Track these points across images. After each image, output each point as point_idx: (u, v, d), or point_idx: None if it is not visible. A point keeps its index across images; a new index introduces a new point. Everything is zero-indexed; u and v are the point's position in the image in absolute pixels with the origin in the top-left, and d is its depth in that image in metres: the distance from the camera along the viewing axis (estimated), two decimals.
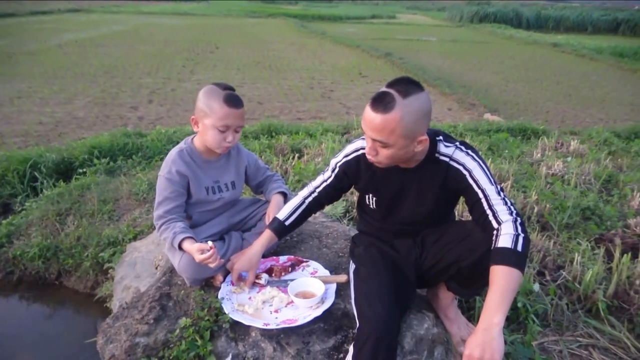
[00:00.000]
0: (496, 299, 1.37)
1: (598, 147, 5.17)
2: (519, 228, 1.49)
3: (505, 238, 1.47)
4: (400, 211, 1.79)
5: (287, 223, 1.92)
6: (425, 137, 1.53)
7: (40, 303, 2.72)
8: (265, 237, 1.92)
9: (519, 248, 1.45)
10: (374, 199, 1.81)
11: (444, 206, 1.78)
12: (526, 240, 1.47)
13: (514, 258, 1.43)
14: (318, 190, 1.92)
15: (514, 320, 2.21)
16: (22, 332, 2.47)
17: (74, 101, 7.07)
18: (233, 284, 1.92)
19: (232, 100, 1.82)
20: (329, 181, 1.90)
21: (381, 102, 1.46)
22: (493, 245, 1.50)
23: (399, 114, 1.45)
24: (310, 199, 1.94)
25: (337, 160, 1.85)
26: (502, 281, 1.40)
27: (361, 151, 1.77)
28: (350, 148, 1.82)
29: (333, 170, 1.88)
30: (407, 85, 1.48)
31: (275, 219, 1.93)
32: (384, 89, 1.50)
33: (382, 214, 1.84)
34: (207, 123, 1.83)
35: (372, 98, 1.50)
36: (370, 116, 1.49)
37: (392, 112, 1.45)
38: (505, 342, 2.01)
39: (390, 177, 1.74)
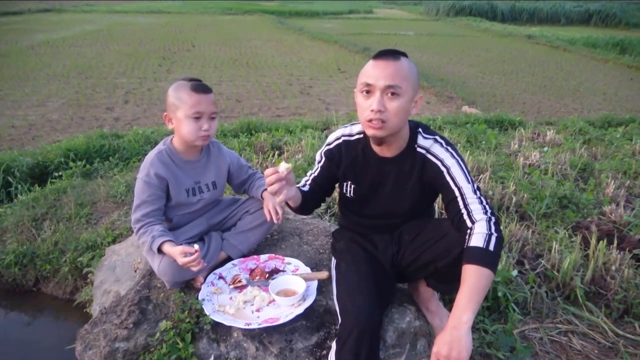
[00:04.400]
0: (465, 298, 1.39)
1: (573, 136, 5.26)
2: (493, 227, 1.50)
3: (477, 237, 1.48)
4: (378, 202, 1.80)
5: (303, 188, 1.90)
6: (421, 96, 1.60)
7: (18, 311, 2.66)
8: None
9: (491, 247, 1.45)
10: (353, 186, 1.82)
11: (421, 200, 1.79)
12: (499, 239, 1.48)
13: (485, 257, 1.44)
14: (308, 182, 1.93)
15: (495, 309, 2.24)
16: (0, 341, 2.41)
17: (47, 103, 6.92)
18: (213, 285, 1.91)
19: (200, 86, 1.83)
20: (316, 172, 1.92)
21: (390, 52, 1.56)
22: (466, 244, 1.51)
23: (406, 64, 1.56)
24: (305, 188, 1.91)
25: (321, 150, 1.89)
26: (471, 280, 1.41)
27: (343, 138, 1.81)
28: (332, 137, 1.86)
29: (319, 162, 1.90)
30: (400, 53, 1.59)
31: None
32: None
33: (360, 203, 1.85)
34: (180, 115, 1.82)
35: (377, 53, 1.58)
36: (382, 65, 1.54)
37: (400, 60, 1.55)
38: (487, 332, 2.05)
39: (369, 165, 1.76)
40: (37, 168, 3.86)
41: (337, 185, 1.93)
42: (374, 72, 1.54)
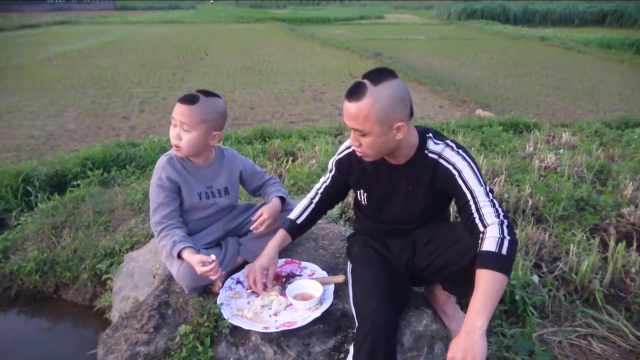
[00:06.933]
0: (478, 303, 1.38)
1: (589, 138, 5.20)
2: (505, 231, 1.49)
3: (489, 241, 1.47)
4: (391, 208, 1.81)
5: (298, 222, 1.98)
6: (403, 123, 1.55)
7: (38, 317, 2.71)
8: (280, 236, 1.95)
9: (504, 251, 1.44)
10: (365, 194, 1.84)
11: (435, 205, 1.78)
12: (512, 243, 1.46)
13: (498, 262, 1.43)
14: (320, 191, 1.99)
15: (513, 313, 2.22)
16: (22, 347, 2.46)
17: (64, 114, 7.05)
18: (231, 289, 1.93)
19: (185, 97, 1.87)
20: (328, 182, 1.96)
21: (354, 91, 1.53)
22: (479, 248, 1.50)
23: (370, 101, 1.50)
24: (316, 199, 1.99)
25: (333, 158, 1.92)
26: (484, 285, 1.41)
27: (352, 148, 1.80)
28: (342, 146, 1.88)
29: (330, 171, 1.94)
30: (379, 74, 1.54)
31: (287, 219, 1.99)
32: (358, 79, 1.57)
33: (373, 210, 1.86)
34: None
35: (347, 89, 1.57)
36: (346, 106, 1.56)
37: (364, 99, 1.51)
38: (505, 336, 2.04)
39: (380, 173, 1.76)
40: (56, 177, 3.93)
41: (351, 190, 1.96)
42: (343, 108, 1.58)
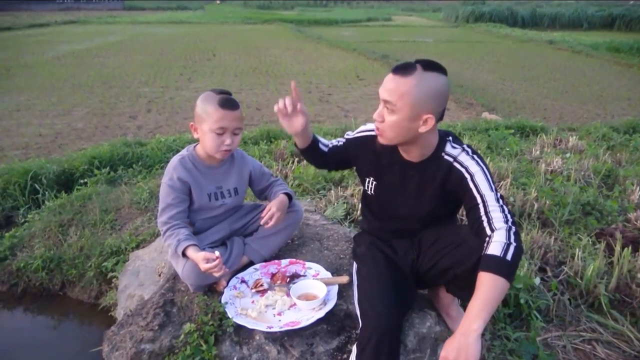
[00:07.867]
0: (478, 306, 1.38)
1: (597, 142, 5.17)
2: (512, 237, 1.49)
3: (495, 246, 1.48)
4: (398, 203, 1.81)
5: (324, 147, 1.97)
6: (432, 117, 1.55)
7: (44, 314, 2.73)
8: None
9: (508, 257, 1.44)
10: (374, 183, 1.84)
11: (442, 207, 1.79)
12: (517, 249, 1.47)
13: (501, 266, 1.43)
14: (329, 147, 1.98)
15: (517, 316, 2.22)
16: (27, 343, 2.48)
17: (72, 112, 7.09)
18: (236, 288, 1.94)
19: (227, 102, 1.85)
20: (337, 144, 1.97)
21: (403, 67, 1.55)
22: (484, 251, 1.50)
23: (414, 81, 1.51)
24: (330, 144, 1.99)
25: (349, 134, 1.94)
26: (486, 288, 1.41)
27: (369, 133, 1.81)
28: (361, 128, 1.89)
29: (342, 141, 1.96)
30: (432, 64, 1.55)
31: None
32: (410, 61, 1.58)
33: (380, 203, 1.86)
34: (205, 128, 1.87)
35: (395, 65, 1.58)
36: (389, 78, 1.57)
37: (409, 77, 1.52)
38: (509, 339, 2.03)
39: (393, 165, 1.77)
40: (64, 175, 3.95)
41: (349, 169, 1.95)
42: (385, 79, 1.58)
